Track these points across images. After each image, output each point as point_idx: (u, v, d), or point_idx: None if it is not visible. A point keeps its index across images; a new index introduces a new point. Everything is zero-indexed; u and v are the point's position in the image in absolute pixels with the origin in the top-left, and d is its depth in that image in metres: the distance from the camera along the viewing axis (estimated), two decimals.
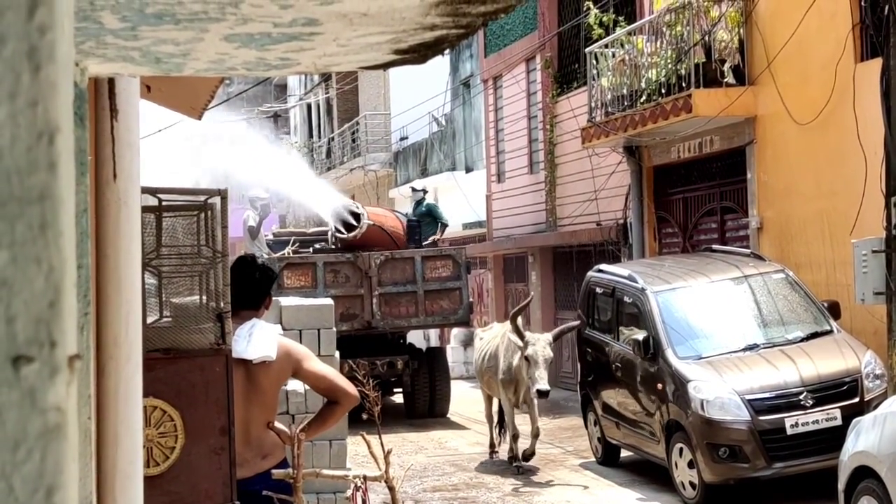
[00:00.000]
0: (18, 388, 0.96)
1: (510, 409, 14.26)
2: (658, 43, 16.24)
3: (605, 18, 18.57)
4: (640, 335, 12.27)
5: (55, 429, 0.96)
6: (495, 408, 15.24)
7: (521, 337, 13.37)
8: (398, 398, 20.22)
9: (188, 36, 2.31)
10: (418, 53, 2.69)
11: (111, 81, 3.03)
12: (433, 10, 2.27)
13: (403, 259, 18.42)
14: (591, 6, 18.68)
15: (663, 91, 15.93)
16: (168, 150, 15.36)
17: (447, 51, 2.76)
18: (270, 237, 20.39)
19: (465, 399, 21.42)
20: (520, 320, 13.86)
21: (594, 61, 18.04)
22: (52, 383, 0.97)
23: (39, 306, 0.96)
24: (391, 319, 18.38)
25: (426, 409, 19.28)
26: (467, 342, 25.92)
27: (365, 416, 5.48)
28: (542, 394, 13.05)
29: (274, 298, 6.82)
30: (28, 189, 0.96)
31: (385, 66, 2.85)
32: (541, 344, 13.24)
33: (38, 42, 0.98)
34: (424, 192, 21.27)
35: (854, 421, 8.88)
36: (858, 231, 12.46)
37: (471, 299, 19.21)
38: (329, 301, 10.70)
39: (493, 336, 14.92)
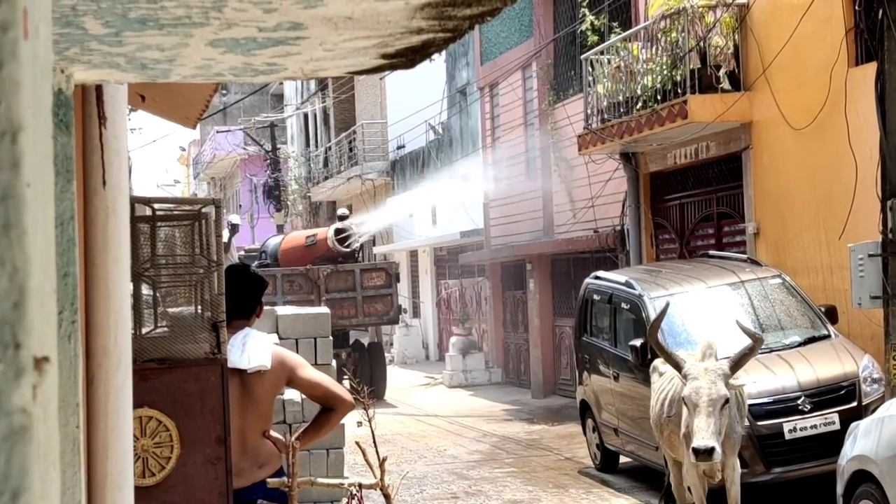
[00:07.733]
0: None
1: (699, 482, 9.65)
2: (653, 49, 16.24)
3: (598, 23, 18.57)
4: (637, 341, 12.24)
5: (20, 431, 0.95)
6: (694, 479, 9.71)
7: (678, 366, 9.34)
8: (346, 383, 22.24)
9: (173, 41, 2.30)
10: (406, 58, 2.68)
11: (98, 89, 3.02)
12: (418, 14, 2.26)
13: (345, 271, 22.43)
14: (587, 13, 18.69)
15: (659, 97, 15.93)
16: None
17: (435, 55, 2.75)
18: (243, 253, 24.81)
19: (463, 407, 21.67)
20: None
21: (590, 68, 18.04)
22: (17, 385, 0.95)
23: (3, 307, 0.95)
24: (336, 320, 22.54)
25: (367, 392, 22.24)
26: (466, 350, 25.96)
27: (358, 424, 5.47)
28: (698, 453, 8.81)
29: (266, 307, 6.80)
30: None
31: (373, 70, 2.84)
32: (706, 378, 9.16)
33: None
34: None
35: (852, 425, 8.87)
36: (848, 235, 12.45)
37: (399, 303, 23.64)
38: (325, 310, 10.79)
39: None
